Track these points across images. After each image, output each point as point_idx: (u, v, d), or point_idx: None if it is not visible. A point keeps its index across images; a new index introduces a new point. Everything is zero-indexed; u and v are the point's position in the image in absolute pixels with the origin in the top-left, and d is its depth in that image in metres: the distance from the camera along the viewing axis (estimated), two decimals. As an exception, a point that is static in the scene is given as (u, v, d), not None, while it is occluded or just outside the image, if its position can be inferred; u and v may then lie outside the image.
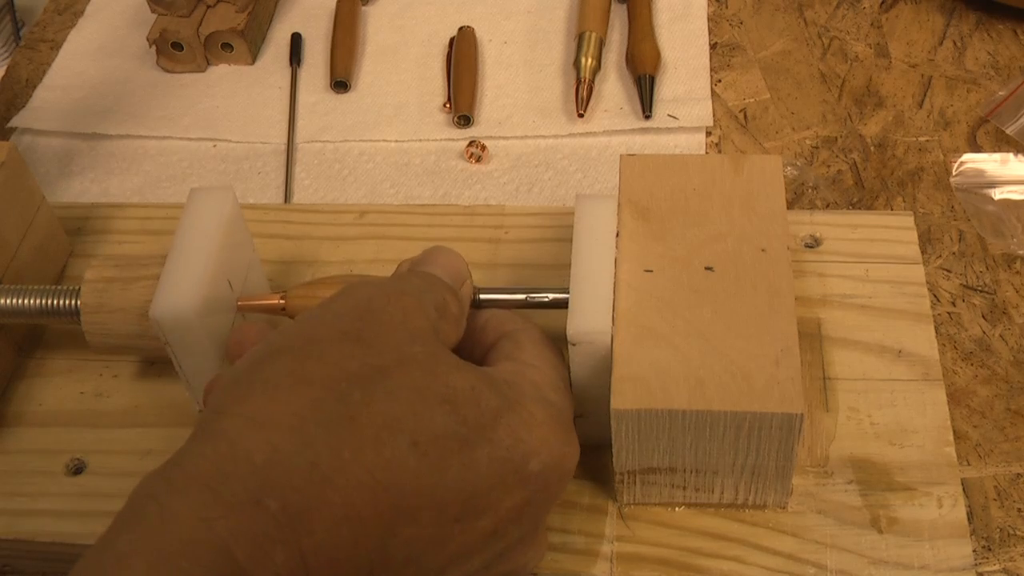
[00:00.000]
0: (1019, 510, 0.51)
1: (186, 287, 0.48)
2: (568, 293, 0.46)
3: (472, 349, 0.46)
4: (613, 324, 0.45)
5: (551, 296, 0.49)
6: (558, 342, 0.46)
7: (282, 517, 0.34)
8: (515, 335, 0.45)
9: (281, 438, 0.35)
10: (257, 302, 0.52)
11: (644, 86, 0.71)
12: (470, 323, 0.46)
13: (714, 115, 0.71)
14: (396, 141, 0.72)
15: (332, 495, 0.34)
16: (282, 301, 0.51)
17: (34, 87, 0.79)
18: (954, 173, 0.66)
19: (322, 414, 0.36)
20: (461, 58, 0.75)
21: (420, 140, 0.72)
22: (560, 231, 0.59)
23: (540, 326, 0.47)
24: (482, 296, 0.49)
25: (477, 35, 0.78)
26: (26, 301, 0.52)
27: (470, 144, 0.70)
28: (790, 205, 0.64)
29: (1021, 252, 0.61)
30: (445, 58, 0.77)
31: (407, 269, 0.45)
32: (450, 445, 0.37)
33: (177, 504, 0.34)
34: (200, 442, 0.36)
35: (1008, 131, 0.68)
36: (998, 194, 0.64)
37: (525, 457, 0.39)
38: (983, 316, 0.58)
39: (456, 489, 0.37)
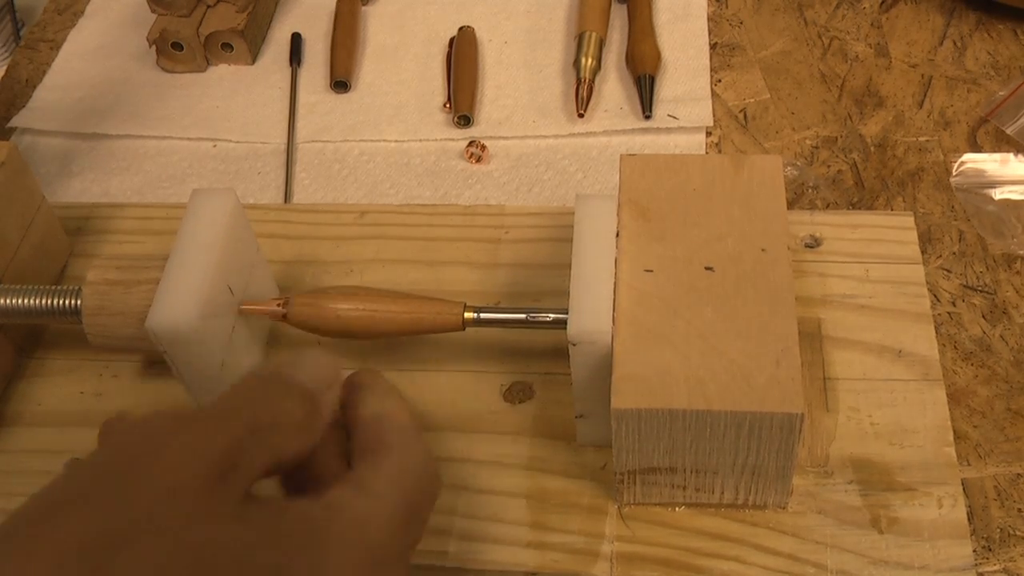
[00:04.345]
0: (1019, 510, 0.51)
1: (183, 297, 0.48)
2: (567, 312, 0.46)
3: (352, 447, 0.42)
4: (613, 324, 0.45)
5: (552, 316, 0.49)
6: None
7: None
8: (384, 450, 0.41)
9: None
10: (259, 307, 0.52)
11: (644, 86, 0.71)
12: (360, 412, 0.43)
13: (714, 115, 0.71)
14: (396, 141, 0.72)
15: None
16: (283, 308, 0.51)
17: (34, 87, 0.79)
18: (954, 173, 0.66)
19: None
20: (461, 58, 0.75)
21: (420, 140, 0.72)
22: (560, 231, 0.59)
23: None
24: (482, 315, 0.50)
25: (477, 35, 0.78)
26: (27, 301, 0.52)
27: (470, 144, 0.70)
28: (790, 205, 0.64)
29: (1021, 252, 0.61)
30: (445, 58, 0.77)
31: (269, 370, 0.42)
32: None
33: None
34: None
35: (1008, 131, 0.68)
36: (998, 194, 0.64)
37: None
38: (983, 316, 0.58)
39: None
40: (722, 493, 0.47)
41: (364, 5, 0.82)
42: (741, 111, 0.71)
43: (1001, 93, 0.70)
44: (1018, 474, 0.52)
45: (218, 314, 0.50)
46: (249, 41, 0.78)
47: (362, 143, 0.73)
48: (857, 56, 0.74)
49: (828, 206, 0.65)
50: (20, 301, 0.52)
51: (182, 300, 0.48)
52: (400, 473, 0.40)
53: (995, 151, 0.67)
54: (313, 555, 0.36)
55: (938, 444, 0.49)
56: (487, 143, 0.70)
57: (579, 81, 0.72)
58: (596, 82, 0.73)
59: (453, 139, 0.72)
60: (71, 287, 0.52)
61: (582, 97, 0.71)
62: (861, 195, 0.65)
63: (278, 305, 0.51)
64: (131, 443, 0.36)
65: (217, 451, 0.36)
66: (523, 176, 0.69)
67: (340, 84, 0.75)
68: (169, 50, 0.77)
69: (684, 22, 0.77)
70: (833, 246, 0.57)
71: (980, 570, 0.49)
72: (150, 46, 0.77)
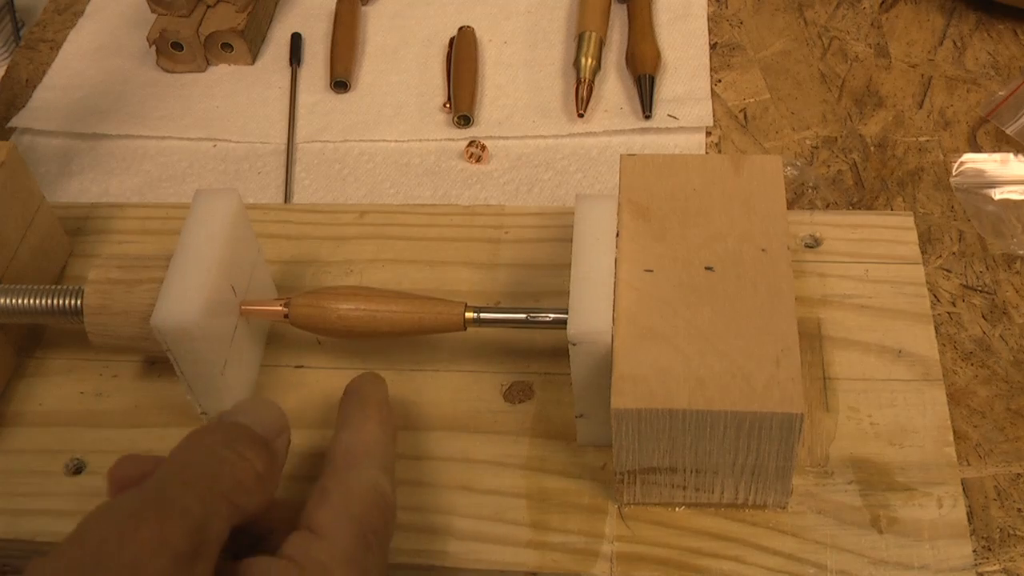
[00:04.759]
0: (1019, 510, 0.51)
1: (188, 295, 0.48)
2: (567, 312, 0.46)
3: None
4: (613, 324, 0.45)
5: (552, 316, 0.49)
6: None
7: None
8: (331, 473, 0.41)
9: None
10: (261, 307, 0.52)
11: (644, 86, 0.71)
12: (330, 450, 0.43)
13: (714, 115, 0.71)
14: (396, 141, 0.72)
15: None
16: (285, 308, 0.51)
17: (34, 87, 0.79)
18: (954, 173, 0.66)
19: None
20: (461, 58, 0.75)
21: (420, 140, 0.72)
22: (560, 231, 0.59)
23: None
24: (482, 315, 0.50)
25: (477, 35, 0.78)
26: (28, 301, 0.52)
27: (470, 144, 0.70)
28: (790, 205, 0.64)
29: (1021, 252, 0.61)
30: (445, 58, 0.77)
31: (216, 421, 0.42)
32: None
33: None
34: None
35: (1008, 131, 0.68)
36: (998, 194, 0.64)
37: None
38: (983, 316, 0.58)
39: None
40: (722, 493, 0.47)
41: (364, 5, 0.82)
42: (741, 111, 0.71)
43: (1001, 93, 0.70)
44: (1018, 474, 0.52)
45: (222, 313, 0.50)
46: (249, 41, 0.78)
47: (362, 143, 0.73)
48: (857, 56, 0.74)
49: (828, 206, 0.65)
50: (21, 301, 0.52)
51: (188, 297, 0.48)
52: (349, 500, 0.40)
53: (995, 151, 0.67)
54: None
55: (938, 444, 0.49)
56: (487, 143, 0.71)
57: (579, 81, 0.72)
58: (596, 82, 0.73)
59: (453, 139, 0.72)
60: (73, 286, 0.52)
61: (582, 97, 0.71)
62: (861, 195, 0.65)
63: (280, 305, 0.51)
64: (96, 541, 0.34)
65: (181, 542, 0.35)
66: (523, 176, 0.69)
67: (340, 84, 0.75)
68: (169, 50, 0.77)
69: (684, 22, 0.77)
70: (833, 246, 0.57)
71: (980, 570, 0.49)
72: (150, 46, 0.77)
